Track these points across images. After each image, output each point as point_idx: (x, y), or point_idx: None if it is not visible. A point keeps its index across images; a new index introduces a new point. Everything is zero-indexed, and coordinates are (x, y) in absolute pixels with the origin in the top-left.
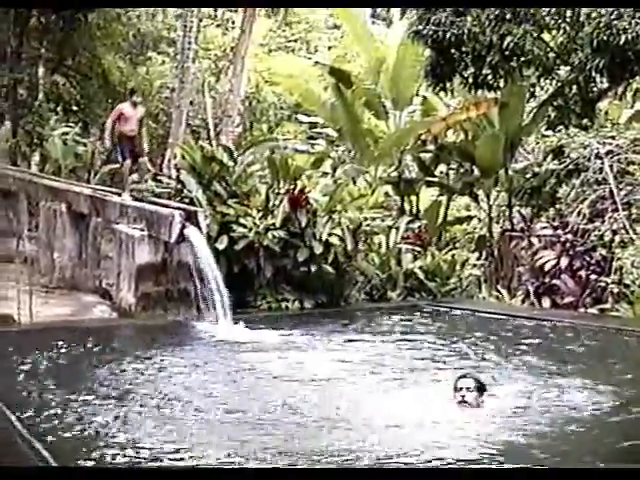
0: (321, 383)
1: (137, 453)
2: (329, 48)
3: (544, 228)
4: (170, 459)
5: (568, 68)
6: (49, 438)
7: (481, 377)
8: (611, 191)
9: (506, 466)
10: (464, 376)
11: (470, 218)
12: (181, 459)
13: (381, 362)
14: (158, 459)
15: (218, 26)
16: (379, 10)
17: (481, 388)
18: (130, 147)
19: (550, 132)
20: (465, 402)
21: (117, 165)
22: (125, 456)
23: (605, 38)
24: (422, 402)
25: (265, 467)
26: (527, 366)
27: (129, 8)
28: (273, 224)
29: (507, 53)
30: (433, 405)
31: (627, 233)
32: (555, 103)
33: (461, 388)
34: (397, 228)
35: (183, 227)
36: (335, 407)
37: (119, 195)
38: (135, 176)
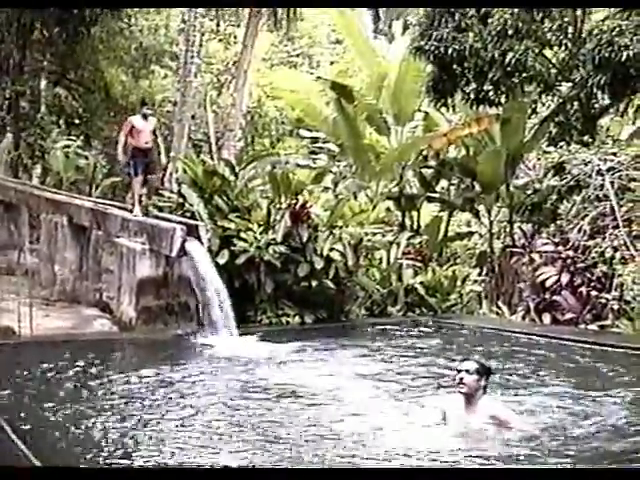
0: (323, 396)
1: (131, 463)
2: (331, 63)
3: (545, 244)
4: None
5: (570, 84)
6: (47, 450)
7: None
8: (612, 208)
9: (506, 466)
10: (466, 359)
11: (471, 234)
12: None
13: (383, 376)
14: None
15: (220, 40)
16: (381, 25)
17: (482, 372)
18: (144, 161)
19: (551, 148)
20: (462, 384)
21: (119, 178)
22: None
23: (607, 55)
24: (423, 416)
25: (266, 467)
26: (531, 381)
27: (132, 18)
28: (274, 239)
29: (509, 69)
30: (434, 420)
31: (628, 250)
32: (556, 119)
33: (460, 370)
34: (398, 243)
35: (184, 241)
36: (338, 419)
37: (128, 210)
38: (144, 190)
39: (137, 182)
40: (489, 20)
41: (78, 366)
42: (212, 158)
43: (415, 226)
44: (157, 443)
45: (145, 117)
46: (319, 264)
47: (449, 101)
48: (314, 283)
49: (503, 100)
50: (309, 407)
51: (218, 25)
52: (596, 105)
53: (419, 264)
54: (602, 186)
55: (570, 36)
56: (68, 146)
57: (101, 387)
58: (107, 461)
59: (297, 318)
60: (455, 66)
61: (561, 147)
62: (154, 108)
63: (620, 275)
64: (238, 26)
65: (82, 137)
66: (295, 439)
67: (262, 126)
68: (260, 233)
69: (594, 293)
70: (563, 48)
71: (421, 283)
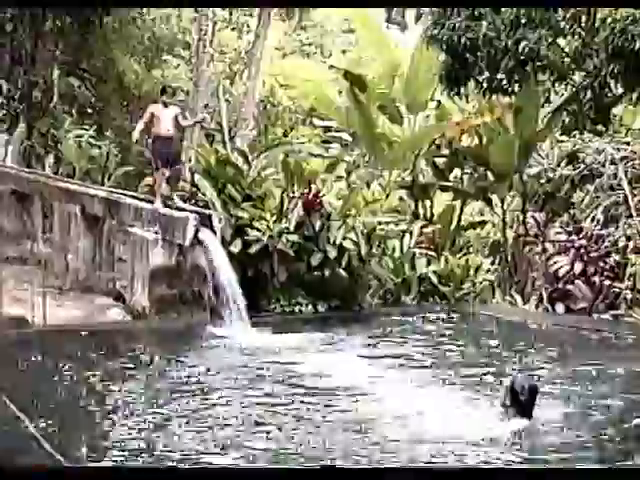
0: (344, 384)
1: (149, 455)
2: (344, 52)
3: (558, 233)
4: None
5: (583, 73)
6: (60, 439)
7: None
8: (625, 197)
9: (506, 466)
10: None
11: (484, 223)
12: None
13: (401, 365)
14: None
15: (233, 29)
16: (394, 14)
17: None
18: (167, 150)
19: (565, 137)
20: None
21: (131, 168)
22: (135, 457)
23: (620, 44)
24: (445, 403)
25: (267, 467)
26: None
27: (144, 10)
28: (287, 228)
29: (522, 58)
30: (457, 406)
31: None
32: (570, 108)
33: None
34: (411, 232)
35: (197, 230)
36: (362, 408)
37: (147, 201)
38: (164, 185)
39: (159, 172)
40: (502, 9)
41: (92, 355)
42: (225, 147)
43: (428, 215)
44: (172, 435)
45: (165, 105)
46: (332, 253)
47: (462, 90)
48: (327, 272)
49: (516, 89)
50: (326, 396)
51: (230, 14)
52: (609, 94)
53: (432, 253)
54: (615, 175)
55: (583, 25)
56: (81, 136)
57: (114, 377)
58: (122, 455)
59: (310, 307)
60: (468, 55)
61: (574, 136)
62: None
63: (633, 264)
64: (250, 15)
65: (95, 127)
66: (318, 429)
67: (275, 115)
68: (273, 222)
69: (607, 282)
70: (576, 37)
71: (434, 272)
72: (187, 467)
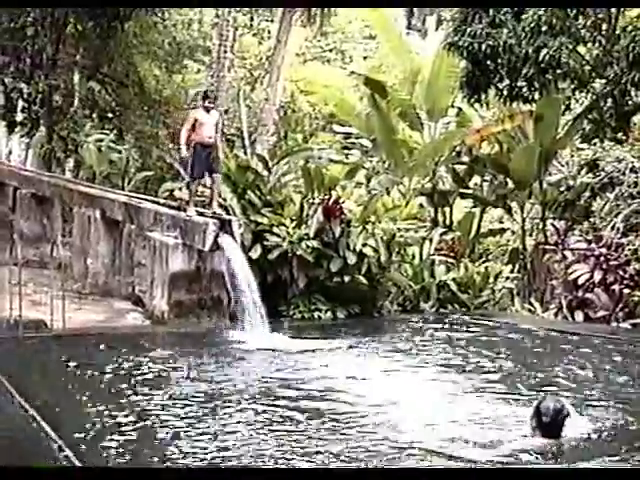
0: (364, 390)
1: (164, 462)
2: (364, 58)
3: (578, 241)
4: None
5: (603, 81)
6: (77, 442)
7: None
8: None
9: (507, 466)
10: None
11: (503, 230)
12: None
13: (421, 372)
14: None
15: (254, 35)
16: (414, 21)
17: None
18: (207, 158)
19: (585, 145)
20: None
21: (151, 172)
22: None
23: None
24: (466, 411)
25: (266, 467)
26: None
27: (166, 13)
28: (307, 234)
29: (542, 66)
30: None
31: None
32: (590, 116)
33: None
34: (430, 239)
35: (217, 236)
36: (380, 412)
37: (182, 209)
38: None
39: (196, 180)
40: (523, 16)
41: (110, 360)
42: (245, 153)
43: (448, 222)
44: (190, 439)
45: (207, 110)
46: (352, 259)
47: (482, 97)
48: (347, 278)
49: (537, 96)
50: (346, 403)
51: (252, 20)
52: (630, 102)
53: (451, 260)
54: (636, 183)
55: (604, 33)
56: (101, 140)
57: (133, 381)
58: (140, 459)
59: (329, 313)
60: (489, 62)
61: (594, 144)
62: (187, 103)
63: None
64: (272, 21)
65: (115, 131)
66: (337, 434)
67: (295, 121)
68: (293, 228)
69: (627, 291)
70: (597, 45)
71: (453, 279)
72: (188, 467)
